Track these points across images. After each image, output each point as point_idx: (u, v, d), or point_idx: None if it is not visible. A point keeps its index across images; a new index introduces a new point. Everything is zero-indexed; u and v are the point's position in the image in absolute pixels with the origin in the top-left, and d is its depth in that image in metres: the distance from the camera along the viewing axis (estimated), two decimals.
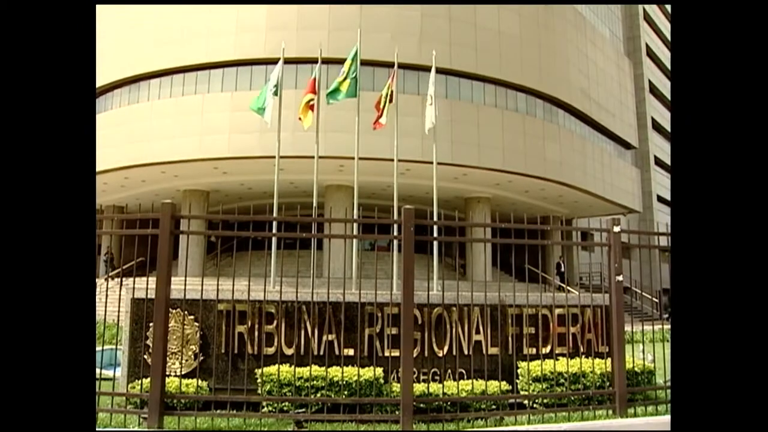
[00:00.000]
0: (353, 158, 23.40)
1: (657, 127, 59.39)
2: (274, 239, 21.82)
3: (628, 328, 9.66)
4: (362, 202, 26.22)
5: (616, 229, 8.44)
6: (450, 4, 30.51)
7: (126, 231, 8.57)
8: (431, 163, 24.32)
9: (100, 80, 31.82)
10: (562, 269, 36.45)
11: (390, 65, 24.91)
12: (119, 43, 32.39)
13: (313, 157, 23.07)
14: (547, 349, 8.87)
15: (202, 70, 30.15)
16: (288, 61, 24.52)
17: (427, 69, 24.69)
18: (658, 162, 58.92)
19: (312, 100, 21.99)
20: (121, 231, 8.75)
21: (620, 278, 8.31)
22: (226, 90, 29.37)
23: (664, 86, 61.64)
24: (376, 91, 24.77)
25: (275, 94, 22.27)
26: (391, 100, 22.41)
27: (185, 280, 8.89)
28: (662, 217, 55.65)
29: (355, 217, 22.12)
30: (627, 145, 45.10)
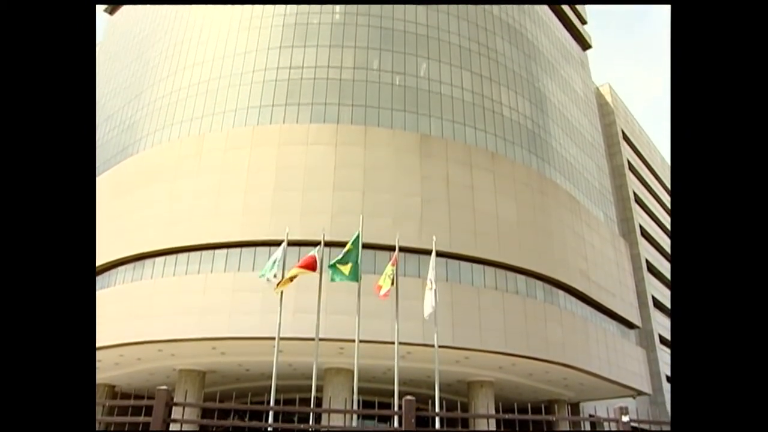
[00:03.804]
0: (354, 341, 23.12)
1: (658, 305, 59.37)
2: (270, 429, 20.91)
3: None
4: (362, 386, 25.54)
5: (625, 419, 8.10)
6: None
7: (117, 418, 8.21)
8: (432, 346, 23.96)
9: (104, 258, 32.38)
10: None
11: (391, 248, 25.44)
12: (125, 223, 33.34)
13: (313, 339, 22.80)
14: None
15: (207, 249, 30.73)
16: (291, 244, 25.07)
17: (428, 252, 25.16)
18: (663, 341, 58.16)
19: (297, 275, 22.12)
20: (111, 419, 8.35)
21: None
22: (229, 270, 29.74)
23: (661, 265, 62.55)
24: (377, 273, 25.07)
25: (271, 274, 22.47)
26: (392, 283, 22.57)
27: None
28: None
29: (355, 401, 21.43)
30: (630, 325, 44.71)
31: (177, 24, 41.38)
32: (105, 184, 35.77)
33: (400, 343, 23.80)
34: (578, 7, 58.71)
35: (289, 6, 36.79)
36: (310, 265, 22.29)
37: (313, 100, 33.42)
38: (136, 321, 29.59)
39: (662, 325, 58.95)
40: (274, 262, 22.59)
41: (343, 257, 22.18)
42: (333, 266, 22.18)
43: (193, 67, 37.42)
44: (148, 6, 47.15)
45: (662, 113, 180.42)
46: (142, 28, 46.06)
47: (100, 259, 32.09)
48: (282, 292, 22.86)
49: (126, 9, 51.97)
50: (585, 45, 58.92)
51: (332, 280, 22.55)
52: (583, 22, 59.69)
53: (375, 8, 36.62)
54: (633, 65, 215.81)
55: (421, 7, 37.79)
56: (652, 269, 60.35)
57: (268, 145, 31.91)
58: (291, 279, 22.03)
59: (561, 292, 35.33)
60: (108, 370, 34.22)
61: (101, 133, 42.88)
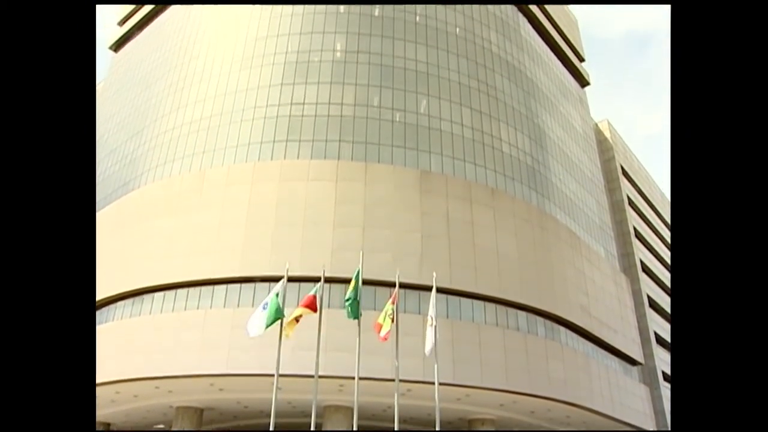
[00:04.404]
0: (353, 378, 22.90)
1: (661, 341, 58.79)
2: None
3: None
4: (362, 424, 25.28)
5: None
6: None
7: None
8: (433, 383, 23.72)
9: (103, 293, 32.28)
10: None
11: (391, 285, 25.38)
12: (125, 258, 33.33)
13: (312, 376, 22.60)
14: None
15: (206, 285, 30.63)
16: (291, 279, 24.99)
17: (428, 289, 25.06)
18: (667, 378, 57.46)
19: (300, 315, 22.08)
20: None
21: None
22: (228, 306, 29.61)
23: (663, 300, 62.10)
24: (377, 310, 24.97)
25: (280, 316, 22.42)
26: (392, 322, 22.46)
27: None
28: None
29: None
30: (633, 362, 44.32)
31: (180, 61, 41.93)
32: (105, 219, 35.86)
33: (400, 381, 23.60)
34: (576, 44, 59.53)
35: (290, 44, 37.32)
36: (312, 306, 22.32)
37: (314, 136, 33.67)
38: (134, 357, 29.39)
39: (665, 362, 58.30)
40: (265, 305, 22.42)
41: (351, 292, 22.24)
42: (350, 302, 22.14)
43: (195, 103, 37.79)
44: (153, 44, 47.85)
45: (661, 149, 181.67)
46: (145, 65, 46.66)
47: (99, 294, 32.02)
48: (281, 328, 22.72)
49: (130, 46, 52.73)
50: (583, 82, 59.61)
51: (352, 317, 22.34)
52: (581, 59, 60.47)
53: (375, 46, 37.14)
54: (631, 102, 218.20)
55: (420, 45, 38.31)
56: (653, 305, 59.92)
57: (268, 181, 32.05)
58: (297, 320, 21.99)
59: (562, 329, 35.11)
60: (104, 407, 33.84)
61: (103, 167, 43.11)
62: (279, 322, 22.40)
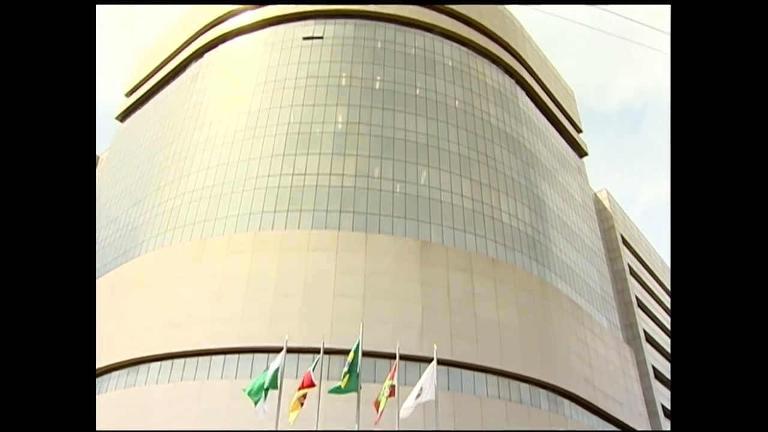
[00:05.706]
0: None
1: (668, 414, 57.44)
2: None
3: None
4: None
5: None
6: None
7: None
8: None
9: (98, 363, 31.74)
10: None
11: (391, 356, 25.04)
12: (121, 327, 32.98)
13: None
14: None
15: (204, 356, 30.21)
16: (290, 351, 24.69)
17: (429, 360, 24.72)
18: None
19: (305, 395, 21.89)
20: None
21: None
22: (226, 377, 29.12)
23: (669, 371, 60.99)
24: (377, 382, 24.62)
25: (272, 387, 22.24)
26: (392, 394, 22.12)
27: None
28: None
29: None
30: None
31: (183, 131, 42.63)
32: (103, 286, 35.64)
33: None
34: (573, 115, 60.66)
35: (292, 115, 38.06)
36: (311, 385, 22.18)
37: (315, 206, 33.93)
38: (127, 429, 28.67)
39: None
40: (263, 386, 22.27)
41: (346, 369, 22.04)
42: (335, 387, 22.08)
43: (197, 172, 38.24)
44: (157, 114, 48.80)
45: (660, 218, 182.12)
46: (150, 135, 47.42)
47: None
48: (279, 402, 22.32)
49: (136, 116, 53.75)
50: (581, 152, 60.43)
51: (330, 391, 22.21)
52: (579, 130, 61.50)
53: (376, 118, 37.90)
54: (629, 173, 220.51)
55: (420, 117, 39.10)
56: (659, 376, 58.79)
57: (268, 251, 32.09)
58: (301, 402, 21.77)
59: (566, 401, 34.37)
60: None
61: (105, 235, 43.21)
62: (277, 397, 22.12)
